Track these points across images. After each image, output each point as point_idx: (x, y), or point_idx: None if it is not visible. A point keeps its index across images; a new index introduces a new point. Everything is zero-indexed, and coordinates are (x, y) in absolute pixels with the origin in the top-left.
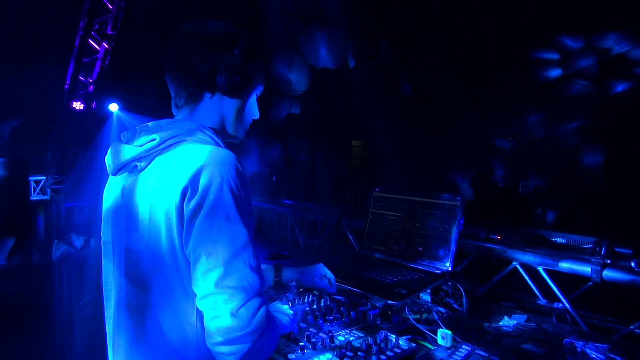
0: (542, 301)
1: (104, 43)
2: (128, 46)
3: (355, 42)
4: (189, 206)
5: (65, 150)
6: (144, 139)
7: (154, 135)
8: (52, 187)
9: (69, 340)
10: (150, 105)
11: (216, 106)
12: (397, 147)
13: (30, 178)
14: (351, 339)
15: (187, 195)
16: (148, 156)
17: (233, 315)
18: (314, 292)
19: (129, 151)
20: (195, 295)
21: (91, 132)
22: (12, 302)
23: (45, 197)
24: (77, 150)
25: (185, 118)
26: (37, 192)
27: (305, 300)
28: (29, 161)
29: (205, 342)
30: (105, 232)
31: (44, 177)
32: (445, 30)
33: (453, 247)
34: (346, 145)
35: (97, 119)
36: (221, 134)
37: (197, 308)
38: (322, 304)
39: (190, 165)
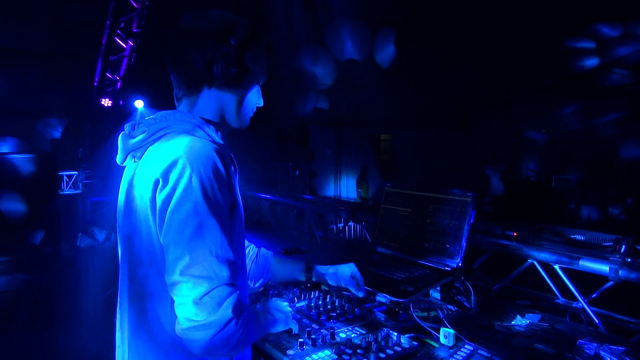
0: (561, 300)
1: (129, 41)
2: (153, 43)
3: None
4: (160, 197)
5: (95, 146)
6: (138, 131)
7: (144, 127)
8: (84, 181)
9: (94, 330)
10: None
11: (215, 98)
12: (425, 141)
13: (62, 173)
14: (352, 336)
15: (159, 186)
16: (141, 148)
17: (196, 303)
18: (322, 287)
19: (127, 143)
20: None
21: (119, 128)
22: (43, 292)
23: (77, 191)
24: (106, 146)
25: (180, 110)
26: (69, 186)
27: (312, 296)
28: (57, 157)
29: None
30: (117, 221)
31: (76, 172)
32: (473, 20)
33: (464, 243)
34: (372, 140)
35: (124, 115)
36: (220, 125)
37: None
38: (327, 300)
39: (167, 157)
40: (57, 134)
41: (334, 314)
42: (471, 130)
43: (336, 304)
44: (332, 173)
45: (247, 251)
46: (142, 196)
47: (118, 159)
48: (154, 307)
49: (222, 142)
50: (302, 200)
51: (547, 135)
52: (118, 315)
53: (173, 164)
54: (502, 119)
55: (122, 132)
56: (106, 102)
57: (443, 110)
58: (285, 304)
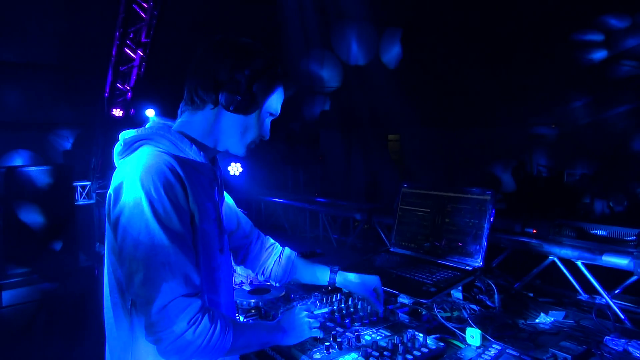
0: (584, 296)
1: (139, 51)
2: (162, 53)
3: (383, 33)
4: (112, 214)
5: (107, 156)
6: (119, 144)
7: (121, 140)
8: (97, 191)
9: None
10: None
11: (214, 118)
12: (433, 140)
13: (76, 184)
14: (378, 338)
15: (111, 203)
16: (118, 159)
17: (151, 317)
18: (343, 291)
19: (114, 152)
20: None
21: None
22: (63, 301)
23: (92, 201)
24: None
25: (162, 123)
26: (83, 196)
27: (333, 299)
28: (73, 168)
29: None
30: None
31: (89, 182)
32: (480, 16)
33: (484, 242)
34: (382, 141)
35: (135, 125)
36: (208, 147)
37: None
38: (349, 302)
39: (120, 173)
40: (69, 145)
41: (357, 317)
42: (480, 127)
43: (359, 306)
44: (342, 175)
45: (270, 250)
46: (106, 211)
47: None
48: (120, 316)
49: (194, 159)
50: (316, 203)
51: (557, 130)
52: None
53: (123, 182)
54: (511, 114)
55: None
56: (117, 113)
57: (451, 108)
58: (304, 313)
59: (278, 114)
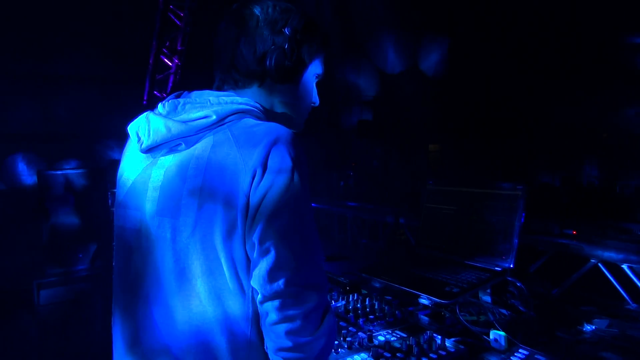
0: (632, 305)
1: (175, 58)
2: (196, 59)
3: (422, 41)
4: (257, 192)
5: None
6: (193, 114)
7: (207, 112)
8: None
9: None
10: None
11: (265, 96)
12: (475, 149)
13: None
14: (392, 339)
15: (255, 178)
16: (196, 135)
17: (306, 318)
18: (362, 290)
19: (174, 127)
20: (256, 293)
21: None
22: (95, 303)
23: None
24: None
25: (235, 94)
26: None
27: (350, 299)
28: (107, 171)
29: (257, 347)
30: (129, 217)
31: None
32: (525, 21)
33: (515, 241)
34: (421, 150)
35: None
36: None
37: (252, 308)
38: (366, 302)
39: (257, 144)
40: (115, 154)
41: (373, 317)
42: (526, 137)
43: (376, 306)
44: (378, 184)
45: None
46: (209, 191)
47: (144, 145)
48: (203, 316)
49: None
50: (345, 206)
51: (609, 140)
52: (125, 322)
53: (271, 151)
54: (559, 124)
55: (155, 113)
56: None
57: (495, 117)
58: None
59: (324, 73)
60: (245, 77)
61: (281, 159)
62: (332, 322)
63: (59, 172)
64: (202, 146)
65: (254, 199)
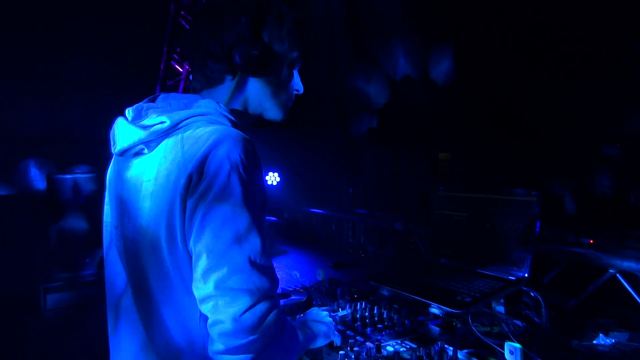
0: None
1: (185, 64)
2: None
3: (432, 48)
4: (193, 195)
5: None
6: (152, 119)
7: (163, 118)
8: None
9: None
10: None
11: (239, 88)
12: (486, 158)
13: None
14: (401, 349)
15: (192, 182)
16: (156, 140)
17: (235, 320)
18: (370, 298)
19: (135, 133)
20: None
21: None
22: (103, 307)
23: None
24: None
25: (201, 97)
26: None
27: (358, 307)
28: None
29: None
30: (107, 213)
31: None
32: (538, 24)
33: (530, 249)
34: (431, 158)
35: None
36: (246, 116)
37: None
38: (375, 311)
39: (198, 149)
40: None
41: (381, 326)
42: (538, 145)
43: (384, 315)
44: (388, 192)
45: None
46: (158, 194)
47: (116, 149)
48: (160, 315)
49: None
50: (354, 213)
51: (623, 149)
52: (112, 324)
53: (208, 157)
54: (571, 132)
55: (123, 118)
56: None
57: (506, 125)
58: (325, 313)
59: (302, 57)
60: (216, 72)
61: (218, 164)
62: (273, 328)
63: (68, 177)
64: (158, 150)
65: (189, 203)
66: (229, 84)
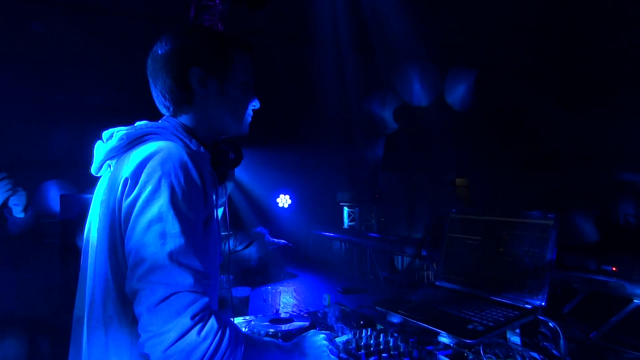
0: None
1: None
2: None
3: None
4: (127, 200)
5: None
6: (116, 138)
7: (122, 134)
8: None
9: None
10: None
11: (200, 111)
12: (504, 184)
13: None
14: None
15: (127, 188)
16: (117, 156)
17: (151, 310)
18: (377, 326)
19: (102, 150)
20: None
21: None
22: None
23: None
24: None
25: (165, 119)
26: None
27: (363, 334)
28: None
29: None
30: (86, 234)
31: None
32: (556, 52)
33: (547, 275)
34: (448, 184)
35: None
36: (213, 134)
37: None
38: (380, 339)
39: (138, 158)
40: None
41: (386, 355)
42: (558, 172)
43: (390, 344)
44: (403, 217)
45: None
46: (105, 202)
47: (93, 169)
48: (117, 330)
49: (198, 152)
50: (365, 237)
51: None
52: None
53: (143, 165)
54: (593, 159)
55: (99, 140)
56: None
57: (525, 151)
58: (322, 336)
59: (252, 76)
60: (172, 104)
61: (151, 170)
62: (189, 322)
63: (78, 196)
64: (114, 165)
65: (124, 207)
66: (188, 110)
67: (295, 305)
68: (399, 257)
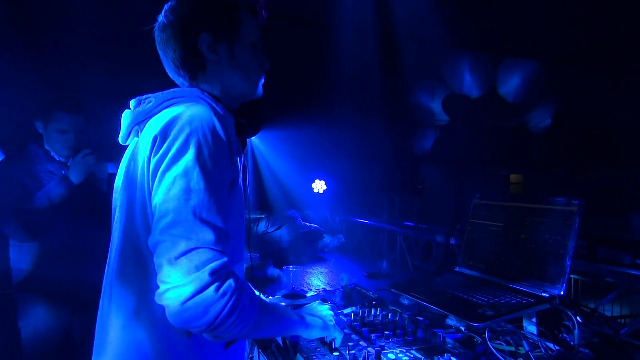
0: None
1: None
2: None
3: (501, 63)
4: (156, 155)
5: None
6: (144, 103)
7: (150, 98)
8: None
9: None
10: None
11: (213, 78)
12: (562, 182)
13: None
14: (403, 358)
15: (156, 145)
16: (144, 120)
17: (171, 262)
18: (390, 307)
19: (130, 116)
20: None
21: None
22: None
23: None
24: None
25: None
26: None
27: (372, 313)
28: None
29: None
30: (115, 201)
31: None
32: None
33: (567, 264)
34: (501, 180)
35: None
36: (229, 100)
37: None
38: (389, 318)
39: (167, 117)
40: None
41: (390, 333)
42: (620, 170)
43: (398, 323)
44: (448, 212)
45: None
46: (141, 162)
47: (120, 137)
48: (145, 282)
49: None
50: (398, 225)
51: None
52: (105, 300)
53: (172, 123)
54: None
55: (126, 109)
56: None
57: (585, 147)
58: (326, 306)
59: (261, 37)
60: (187, 73)
61: (180, 128)
62: (209, 278)
63: None
64: (144, 128)
65: (153, 162)
66: (202, 77)
67: (318, 286)
68: (432, 246)
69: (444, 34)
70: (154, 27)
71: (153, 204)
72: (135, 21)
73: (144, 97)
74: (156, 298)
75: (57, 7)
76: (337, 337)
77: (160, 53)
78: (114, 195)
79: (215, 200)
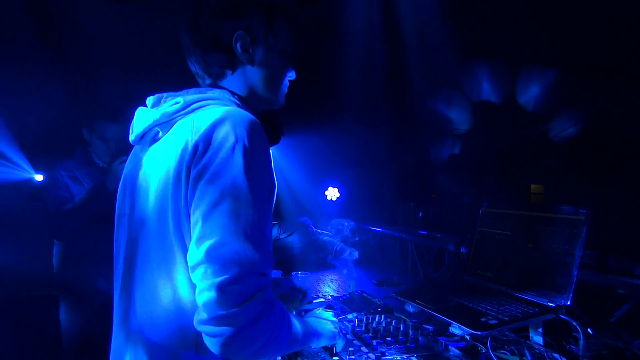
0: None
1: None
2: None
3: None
4: (198, 164)
5: None
6: (168, 103)
7: (177, 99)
8: None
9: None
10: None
11: (240, 79)
12: (585, 193)
13: None
14: None
15: (198, 152)
16: (170, 121)
17: (222, 290)
18: (395, 313)
19: (151, 115)
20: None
21: None
22: None
23: None
24: None
25: (214, 86)
26: None
27: (376, 319)
28: None
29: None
30: (121, 205)
31: None
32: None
33: (574, 273)
34: (520, 190)
35: None
36: (255, 104)
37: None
38: (392, 325)
39: (206, 122)
40: None
41: (392, 340)
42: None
43: (401, 330)
44: (463, 221)
45: None
46: (166, 167)
47: (133, 137)
48: (156, 290)
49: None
50: (410, 233)
51: None
52: (116, 303)
53: (214, 129)
54: None
55: (141, 107)
56: None
57: (608, 158)
58: (330, 314)
59: (292, 45)
60: (217, 69)
61: (224, 137)
62: (259, 306)
63: None
64: (172, 131)
65: (194, 172)
66: (230, 78)
67: (327, 292)
68: (445, 254)
69: (462, 42)
70: (179, 29)
71: (194, 218)
72: (149, 33)
73: (164, 95)
74: (199, 326)
75: (81, 21)
76: (339, 342)
77: (189, 46)
78: (118, 202)
79: (263, 217)
